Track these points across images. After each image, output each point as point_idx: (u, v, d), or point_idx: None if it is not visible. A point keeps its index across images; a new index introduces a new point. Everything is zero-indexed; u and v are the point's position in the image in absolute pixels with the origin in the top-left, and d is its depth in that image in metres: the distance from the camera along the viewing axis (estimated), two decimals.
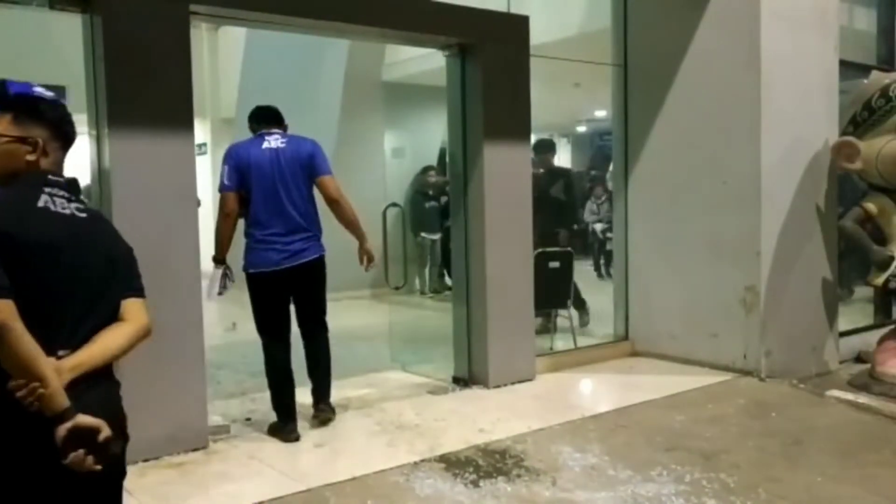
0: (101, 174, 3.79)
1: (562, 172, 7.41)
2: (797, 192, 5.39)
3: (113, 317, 1.86)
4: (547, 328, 6.31)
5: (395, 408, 4.72)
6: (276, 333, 4.19)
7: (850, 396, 4.87)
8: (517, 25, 5.24)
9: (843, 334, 5.87)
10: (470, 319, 5.20)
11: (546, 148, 7.24)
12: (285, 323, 4.24)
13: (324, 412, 4.36)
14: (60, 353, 1.71)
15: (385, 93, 9.36)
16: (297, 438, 4.11)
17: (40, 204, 1.77)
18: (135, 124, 3.72)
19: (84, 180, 3.87)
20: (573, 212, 7.57)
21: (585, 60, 6.58)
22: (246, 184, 4.13)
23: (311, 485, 3.50)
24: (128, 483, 3.39)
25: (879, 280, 5.19)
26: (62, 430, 1.60)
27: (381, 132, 9.04)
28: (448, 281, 7.48)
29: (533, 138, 5.90)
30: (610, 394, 5.27)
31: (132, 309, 1.90)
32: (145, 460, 3.70)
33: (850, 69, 5.93)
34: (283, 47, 9.16)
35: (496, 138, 5.05)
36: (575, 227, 7.38)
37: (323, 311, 4.37)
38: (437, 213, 9.04)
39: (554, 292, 5.99)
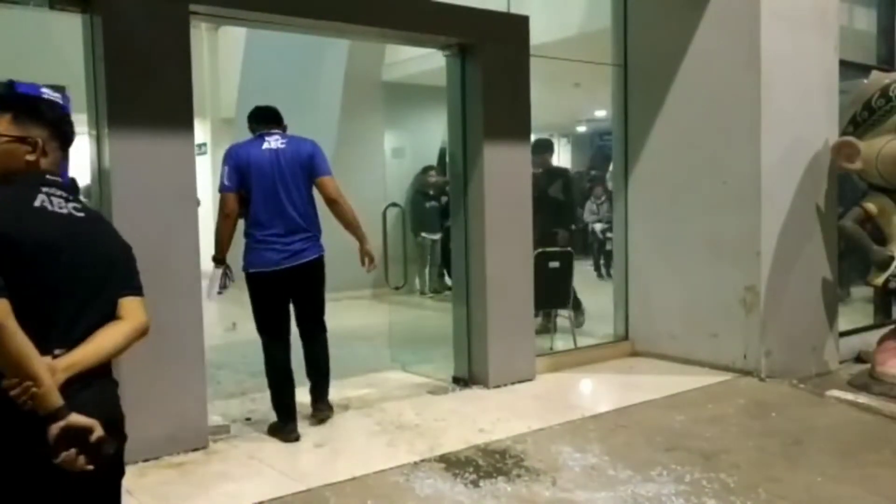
0: (101, 174, 3.79)
1: (560, 172, 7.40)
2: (797, 192, 5.39)
3: (110, 315, 1.86)
4: (547, 328, 6.32)
5: (395, 408, 4.72)
6: (276, 333, 4.19)
7: (850, 396, 4.87)
8: (517, 25, 5.24)
9: (843, 334, 5.87)
10: (470, 319, 5.20)
11: (544, 148, 7.24)
12: (285, 323, 4.24)
13: (322, 411, 4.38)
14: (56, 351, 1.71)
15: (385, 93, 9.36)
16: (297, 438, 4.11)
17: (37, 203, 1.77)
18: (135, 124, 3.72)
19: (84, 180, 3.88)
20: (571, 212, 7.55)
21: (585, 60, 6.58)
22: (246, 184, 4.13)
23: (311, 485, 3.50)
24: (128, 483, 3.39)
25: (879, 280, 5.19)
26: (54, 429, 1.60)
27: (381, 132, 9.04)
28: (448, 281, 7.48)
29: (532, 138, 5.89)
30: (610, 394, 5.27)
31: (130, 307, 1.90)
32: (145, 460, 3.70)
33: (850, 69, 5.93)
34: (283, 47, 9.16)
35: (496, 138, 5.05)
36: (573, 227, 7.35)
37: (322, 311, 4.37)
38: (438, 213, 9.04)
39: (554, 292, 5.99)
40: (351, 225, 4.32)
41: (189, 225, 3.91)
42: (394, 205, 6.19)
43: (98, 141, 3.76)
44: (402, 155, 9.87)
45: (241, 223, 4.25)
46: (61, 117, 1.95)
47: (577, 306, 6.70)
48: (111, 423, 1.78)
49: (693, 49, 5.55)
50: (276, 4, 4.26)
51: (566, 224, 6.89)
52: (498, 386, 5.10)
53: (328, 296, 4.41)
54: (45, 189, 1.81)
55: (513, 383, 5.17)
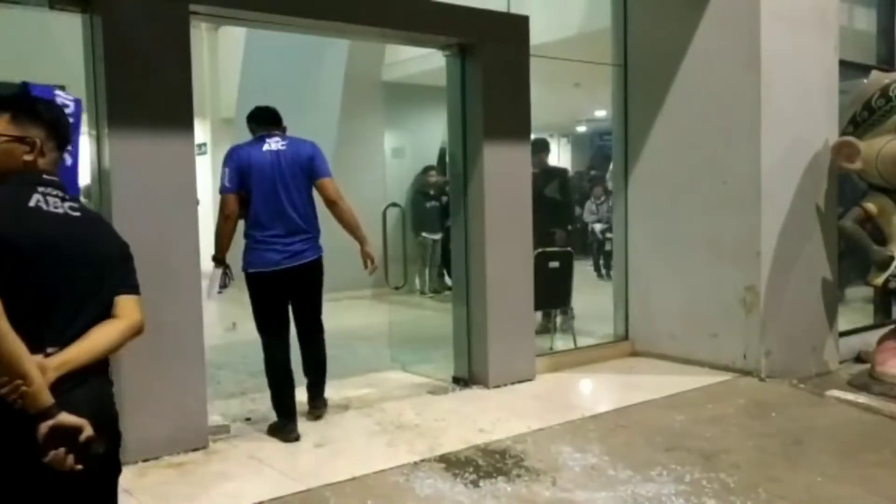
0: (101, 174, 3.79)
1: (557, 172, 7.39)
2: (797, 192, 5.39)
3: (106, 314, 1.86)
4: (547, 328, 6.31)
5: (395, 408, 4.72)
6: (276, 332, 4.20)
7: (850, 396, 4.87)
8: (517, 25, 5.24)
9: (843, 334, 5.87)
10: (470, 319, 5.20)
11: (540, 148, 7.23)
12: (285, 322, 4.25)
13: (318, 408, 4.44)
14: (49, 350, 1.72)
15: (385, 93, 9.36)
16: (297, 438, 4.11)
17: (31, 203, 1.78)
18: (135, 124, 3.72)
19: (84, 180, 3.88)
20: (569, 212, 7.54)
21: (585, 60, 6.57)
22: (246, 185, 4.14)
23: (311, 485, 3.50)
24: (128, 483, 3.40)
25: (879, 280, 5.19)
26: (43, 427, 1.61)
27: (381, 132, 9.04)
28: (448, 281, 7.48)
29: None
30: (610, 394, 5.27)
31: (125, 305, 1.90)
32: (145, 460, 3.71)
33: (850, 69, 5.93)
34: (283, 47, 9.16)
35: (496, 138, 5.05)
36: (570, 227, 7.34)
37: (319, 312, 4.39)
38: (438, 213, 9.04)
39: (554, 292, 5.99)
40: (351, 226, 4.33)
41: (189, 225, 3.91)
42: (394, 205, 6.18)
43: (98, 141, 3.76)
44: (402, 155, 9.87)
45: (240, 223, 4.26)
46: (59, 118, 1.95)
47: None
48: (104, 421, 1.78)
49: (693, 49, 5.55)
50: (276, 4, 4.26)
51: (563, 224, 6.88)
52: (498, 386, 5.10)
53: (328, 296, 4.41)
54: (40, 189, 1.82)
55: (513, 383, 5.17)
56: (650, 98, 5.86)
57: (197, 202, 4.07)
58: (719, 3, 5.40)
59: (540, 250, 5.71)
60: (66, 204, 1.85)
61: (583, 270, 8.87)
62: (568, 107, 13.02)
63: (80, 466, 1.65)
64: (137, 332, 1.92)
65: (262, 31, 7.79)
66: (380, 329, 6.64)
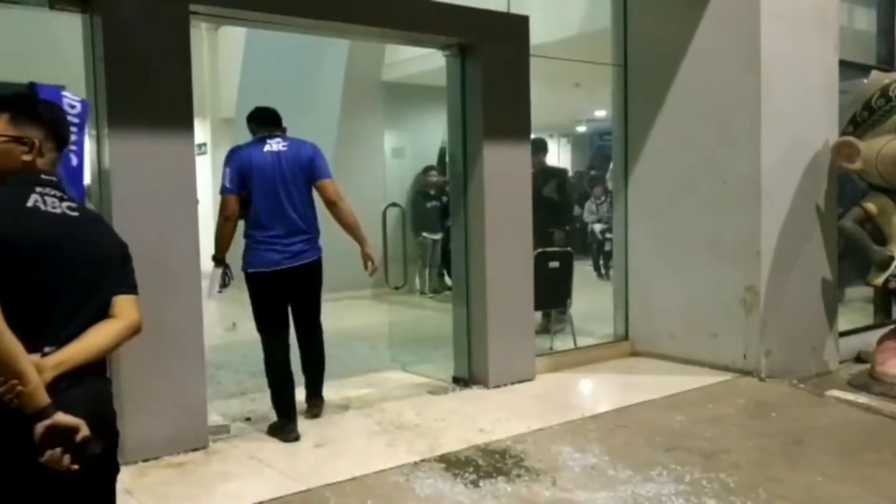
0: (101, 174, 3.79)
1: (555, 172, 7.37)
2: (797, 192, 5.39)
3: (103, 314, 1.86)
4: (547, 328, 6.31)
5: (395, 408, 4.72)
6: (276, 332, 4.21)
7: (850, 396, 4.87)
8: (517, 25, 5.24)
9: (843, 334, 5.87)
10: (470, 319, 5.20)
11: (538, 148, 7.22)
12: (285, 322, 4.26)
13: (317, 406, 4.46)
14: (46, 349, 1.72)
15: (385, 93, 9.36)
16: (296, 438, 4.11)
17: (29, 203, 1.78)
18: (135, 124, 3.72)
19: (84, 180, 3.88)
20: (567, 212, 7.53)
21: (585, 60, 6.57)
22: (247, 186, 4.14)
23: (311, 485, 3.50)
24: (128, 483, 3.40)
25: (879, 280, 5.19)
26: (39, 427, 1.61)
27: (381, 132, 9.03)
28: (448, 281, 7.48)
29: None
30: (610, 394, 5.27)
31: (123, 305, 1.90)
32: (145, 460, 3.71)
33: (850, 69, 5.93)
34: (283, 47, 9.16)
35: (496, 138, 5.05)
36: (568, 227, 7.33)
37: (318, 312, 4.39)
38: (438, 213, 9.04)
39: (554, 292, 5.98)
40: (351, 227, 4.33)
41: (189, 225, 3.91)
42: (394, 205, 6.19)
43: (98, 141, 3.76)
44: (402, 155, 9.87)
45: (240, 223, 4.26)
46: (58, 118, 1.95)
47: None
48: (101, 420, 1.78)
49: (693, 49, 5.55)
50: (276, 4, 4.26)
51: (561, 225, 6.87)
52: (498, 386, 5.10)
53: (328, 296, 4.41)
54: (38, 189, 1.82)
55: (513, 383, 5.17)
56: (650, 98, 5.86)
57: (197, 202, 4.08)
58: (719, 3, 5.40)
59: (540, 250, 5.70)
60: (65, 204, 1.85)
61: (583, 270, 8.87)
62: (568, 107, 13.02)
63: (76, 466, 1.65)
64: (135, 332, 1.92)
65: (262, 31, 7.78)
66: (380, 329, 6.64)
